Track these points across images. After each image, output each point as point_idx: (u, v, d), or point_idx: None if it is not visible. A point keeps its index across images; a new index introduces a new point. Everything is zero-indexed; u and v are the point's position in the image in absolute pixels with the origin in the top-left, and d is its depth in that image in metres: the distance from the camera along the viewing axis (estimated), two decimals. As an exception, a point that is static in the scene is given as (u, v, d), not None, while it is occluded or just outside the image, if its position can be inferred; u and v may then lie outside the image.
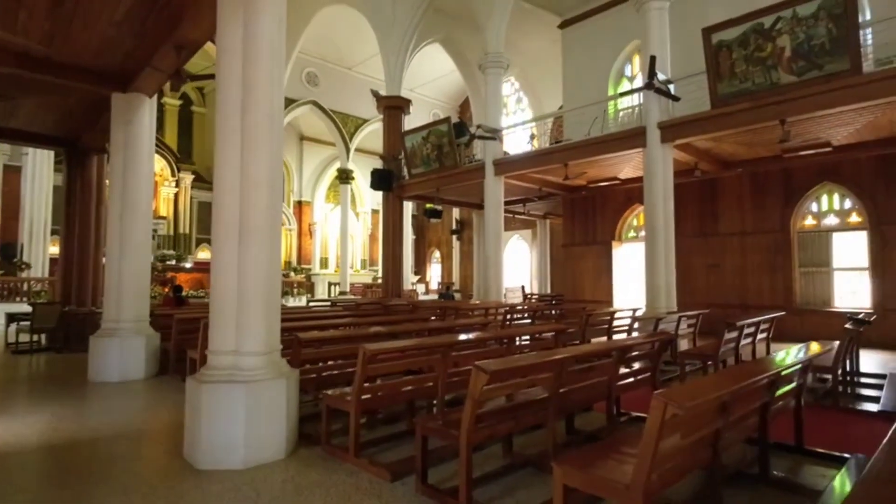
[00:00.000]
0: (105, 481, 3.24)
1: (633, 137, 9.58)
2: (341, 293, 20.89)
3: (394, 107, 14.42)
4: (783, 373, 2.91)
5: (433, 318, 7.83)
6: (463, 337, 4.19)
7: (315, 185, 24.95)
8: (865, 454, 3.28)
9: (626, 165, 11.47)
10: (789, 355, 3.21)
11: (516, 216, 17.49)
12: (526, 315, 9.35)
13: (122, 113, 6.46)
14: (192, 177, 21.15)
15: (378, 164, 16.44)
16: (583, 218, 14.63)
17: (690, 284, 11.92)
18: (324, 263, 24.39)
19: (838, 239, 10.76)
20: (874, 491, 1.17)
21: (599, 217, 14.25)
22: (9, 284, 14.23)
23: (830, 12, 7.24)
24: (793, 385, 3.34)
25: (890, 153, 9.63)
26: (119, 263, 6.36)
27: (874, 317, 6.80)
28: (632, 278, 13.99)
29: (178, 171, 20.58)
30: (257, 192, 3.64)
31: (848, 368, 6.04)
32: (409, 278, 21.29)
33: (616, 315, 8.76)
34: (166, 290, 14.61)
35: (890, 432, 1.65)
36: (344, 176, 22.10)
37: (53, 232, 15.86)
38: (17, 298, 13.83)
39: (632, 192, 13.47)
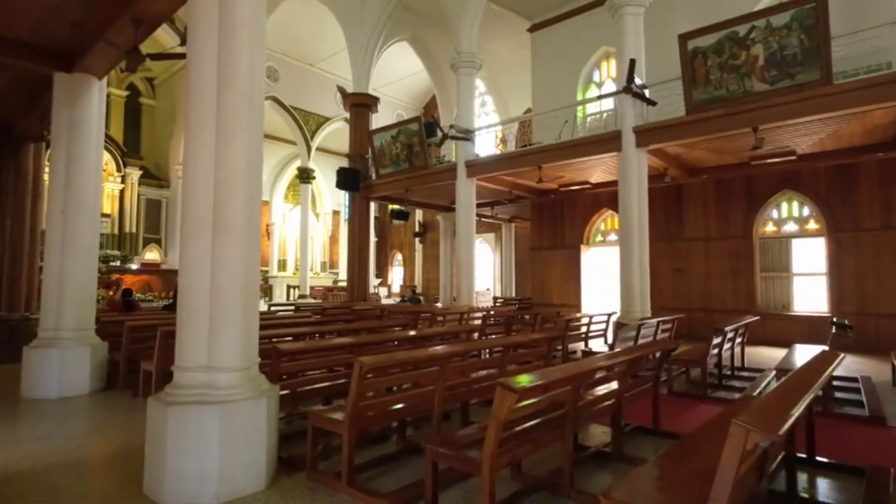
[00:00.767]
0: (46, 524, 2.71)
1: (607, 141, 9.55)
2: (301, 296, 20.08)
3: (361, 104, 13.93)
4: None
5: (405, 324, 7.44)
6: (458, 347, 3.86)
7: (273, 184, 23.96)
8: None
9: (598, 169, 11.48)
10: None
11: (482, 219, 17.33)
12: (501, 320, 9.10)
13: (66, 96, 5.74)
14: (140, 172, 19.82)
15: (340, 164, 15.90)
16: (551, 222, 14.61)
17: (656, 288, 11.98)
18: (282, 266, 23.44)
19: (797, 245, 11.15)
20: None
21: (568, 221, 14.26)
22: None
23: (803, 23, 7.40)
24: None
25: (847, 163, 10.04)
26: (61, 265, 5.62)
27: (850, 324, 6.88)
28: (599, 282, 14.07)
29: (125, 165, 19.24)
30: (235, 182, 3.18)
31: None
32: (371, 281, 20.74)
33: (594, 320, 8.65)
34: (111, 293, 13.51)
35: None
36: (304, 175, 21.33)
37: (-21, 229, 14.40)
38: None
39: (600, 197, 13.55)
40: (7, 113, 7.99)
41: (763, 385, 6.32)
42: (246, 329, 3.23)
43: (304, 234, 20.94)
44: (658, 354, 4.22)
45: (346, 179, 13.49)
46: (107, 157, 18.40)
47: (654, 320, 7.74)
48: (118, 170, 19.14)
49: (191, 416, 2.94)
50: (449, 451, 2.57)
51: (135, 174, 19.64)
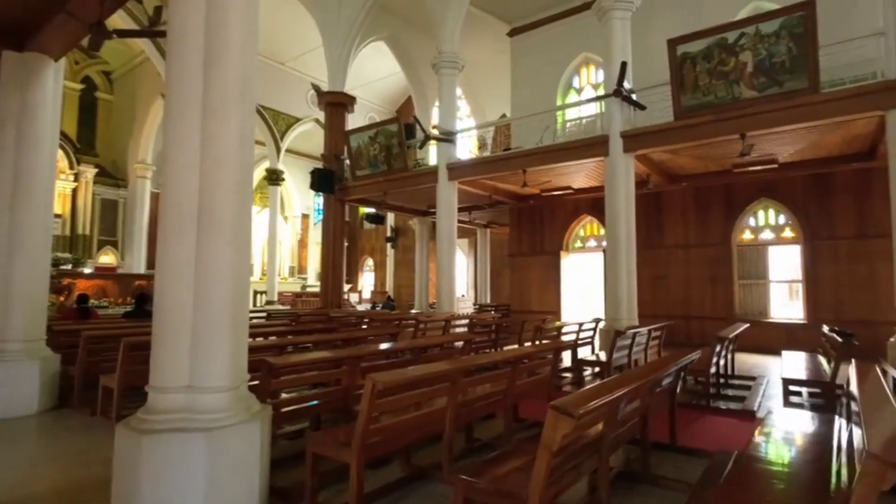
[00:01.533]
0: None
1: (594, 146, 9.41)
2: (268, 302, 19.26)
3: (337, 103, 13.43)
4: None
5: (394, 333, 7.01)
6: (469, 361, 3.50)
7: (239, 185, 22.98)
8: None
9: (580, 174, 11.36)
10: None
11: (458, 224, 17.02)
12: (491, 328, 8.80)
13: (16, 77, 5.09)
14: (95, 171, 18.64)
15: (310, 166, 15.32)
16: (530, 228, 14.43)
17: (637, 295, 12.00)
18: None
19: (774, 252, 11.31)
20: None
21: (548, 227, 14.11)
22: None
23: (791, 31, 7.44)
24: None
25: (823, 172, 10.23)
26: (6, 267, 4.96)
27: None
28: (578, 289, 13.96)
29: (79, 163, 18.05)
30: (225, 170, 2.74)
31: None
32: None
33: (583, 328, 8.43)
34: (62, 298, 12.49)
35: None
36: (273, 177, 20.57)
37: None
38: None
39: (580, 203, 13.46)
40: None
41: (761, 394, 6.22)
42: (236, 342, 2.78)
43: (272, 237, 20.14)
44: (676, 367, 3.99)
45: (321, 180, 12.94)
46: (59, 153, 17.22)
47: (646, 329, 7.59)
48: (71, 167, 17.95)
49: (171, 446, 2.47)
50: (487, 485, 2.20)
51: (89, 172, 18.45)
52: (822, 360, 6.48)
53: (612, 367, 6.39)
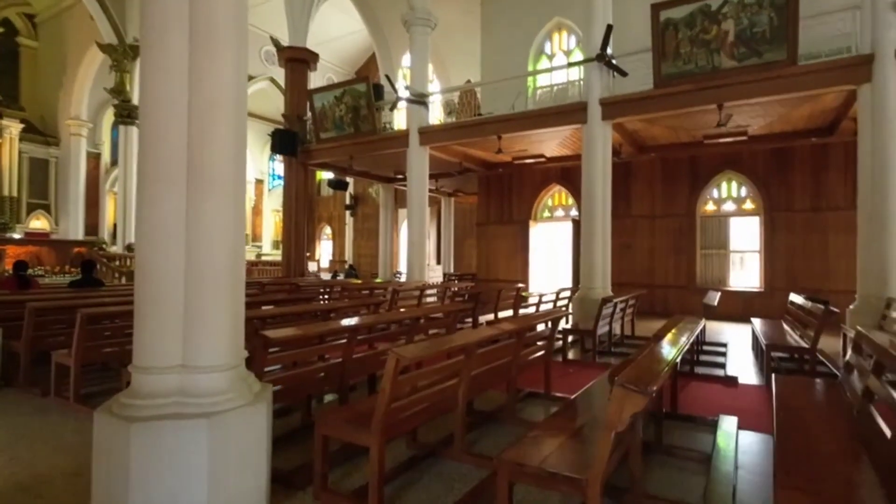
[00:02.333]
0: None
1: (572, 112, 9.23)
2: (222, 272, 18.33)
3: (298, 59, 12.57)
4: None
5: (377, 303, 6.71)
6: (486, 332, 3.28)
7: (187, 147, 21.51)
8: None
9: (554, 142, 11.21)
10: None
11: (424, 192, 16.64)
12: (465, 297, 8.64)
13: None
14: (21, 126, 16.84)
15: (265, 129, 14.42)
16: (499, 196, 14.27)
17: (605, 265, 12.16)
18: (198, 238, 21.27)
19: (735, 223, 11.67)
20: None
21: (516, 196, 13.99)
22: None
23: (774, 2, 7.43)
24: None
25: (784, 147, 10.54)
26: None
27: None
28: (546, 258, 14.02)
29: (1, 117, 16.23)
30: (218, 116, 2.31)
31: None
32: (301, 256, 19.37)
33: (560, 297, 8.41)
34: (-9, 267, 11.34)
35: None
36: (225, 138, 19.30)
37: None
38: None
39: (550, 172, 13.38)
40: None
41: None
42: (234, 313, 2.42)
43: (225, 203, 19.05)
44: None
45: (283, 143, 12.18)
46: (-23, 104, 15.43)
47: (625, 298, 7.65)
48: (-8, 121, 16.15)
49: (165, 434, 2.12)
50: (537, 469, 2.00)
51: (14, 128, 16.68)
52: (787, 327, 6.72)
53: (598, 335, 6.40)
